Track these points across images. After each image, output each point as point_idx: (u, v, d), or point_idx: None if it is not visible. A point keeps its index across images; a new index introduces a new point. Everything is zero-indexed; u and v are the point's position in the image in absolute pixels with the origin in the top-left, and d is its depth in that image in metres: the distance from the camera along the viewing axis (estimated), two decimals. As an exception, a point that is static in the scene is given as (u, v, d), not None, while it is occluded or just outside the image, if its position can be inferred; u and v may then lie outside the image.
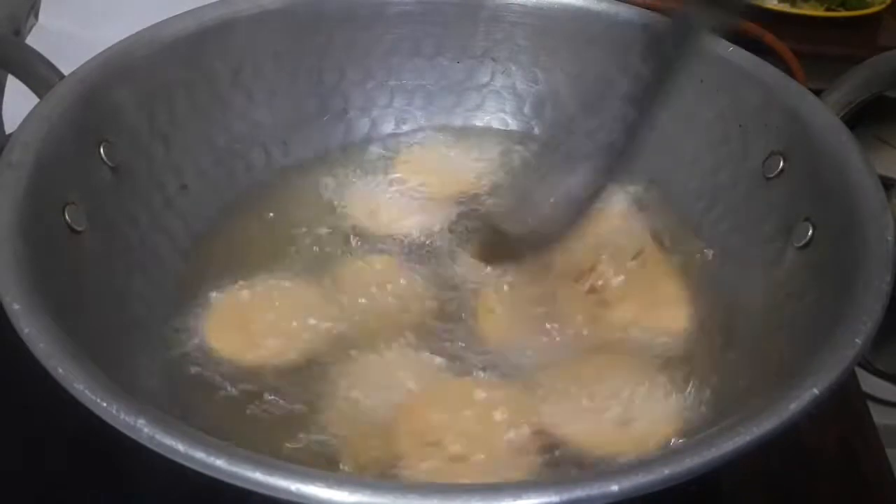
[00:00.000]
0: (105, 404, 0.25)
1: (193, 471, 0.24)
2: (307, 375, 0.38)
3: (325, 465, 0.34)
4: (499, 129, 0.54)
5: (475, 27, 0.52)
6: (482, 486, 0.24)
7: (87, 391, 0.26)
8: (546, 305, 0.41)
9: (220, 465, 0.24)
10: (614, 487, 0.24)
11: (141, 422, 0.25)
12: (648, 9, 0.50)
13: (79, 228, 0.36)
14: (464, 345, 0.39)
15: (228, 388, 0.37)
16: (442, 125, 0.53)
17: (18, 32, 0.63)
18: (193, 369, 0.38)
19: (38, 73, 0.40)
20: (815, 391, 0.27)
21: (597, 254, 0.43)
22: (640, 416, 0.36)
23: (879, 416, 0.46)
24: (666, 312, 0.42)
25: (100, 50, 0.41)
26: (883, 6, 0.91)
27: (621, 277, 0.43)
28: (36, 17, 0.64)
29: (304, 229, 0.46)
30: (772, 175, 0.42)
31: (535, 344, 0.39)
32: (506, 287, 0.42)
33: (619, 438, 0.35)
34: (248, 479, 0.23)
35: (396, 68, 0.52)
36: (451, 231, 0.46)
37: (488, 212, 0.46)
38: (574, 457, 0.34)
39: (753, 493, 0.41)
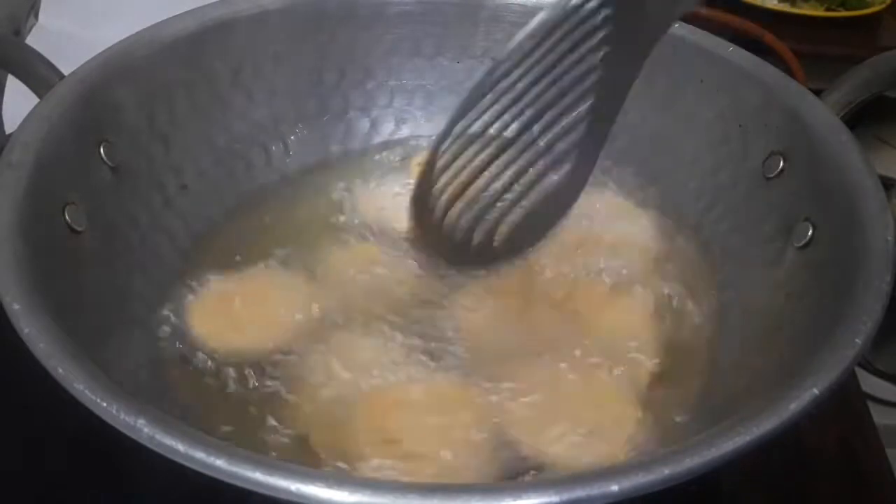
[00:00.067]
0: (105, 404, 0.25)
1: (193, 471, 0.24)
2: (286, 363, 0.38)
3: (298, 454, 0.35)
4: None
5: (475, 27, 0.52)
6: (482, 486, 0.24)
7: (87, 391, 0.26)
8: (524, 309, 0.41)
9: (220, 465, 0.24)
10: (614, 487, 0.24)
11: (141, 422, 0.25)
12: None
13: (79, 228, 0.36)
14: (441, 343, 0.39)
15: (208, 371, 0.38)
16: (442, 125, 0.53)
17: (18, 32, 0.63)
18: (171, 352, 0.38)
19: (38, 73, 0.40)
20: (815, 391, 0.27)
21: (580, 257, 0.44)
22: (607, 424, 0.36)
23: (879, 416, 0.46)
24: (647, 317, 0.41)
25: (100, 50, 0.41)
26: (883, 6, 0.92)
27: (603, 282, 0.43)
28: (36, 17, 0.64)
29: (304, 229, 0.46)
30: (772, 175, 0.42)
31: (510, 345, 0.40)
32: (485, 289, 0.42)
33: (586, 443, 0.35)
34: (248, 479, 0.24)
35: (396, 68, 0.52)
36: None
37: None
38: (536, 463, 0.34)
39: (753, 493, 0.41)
